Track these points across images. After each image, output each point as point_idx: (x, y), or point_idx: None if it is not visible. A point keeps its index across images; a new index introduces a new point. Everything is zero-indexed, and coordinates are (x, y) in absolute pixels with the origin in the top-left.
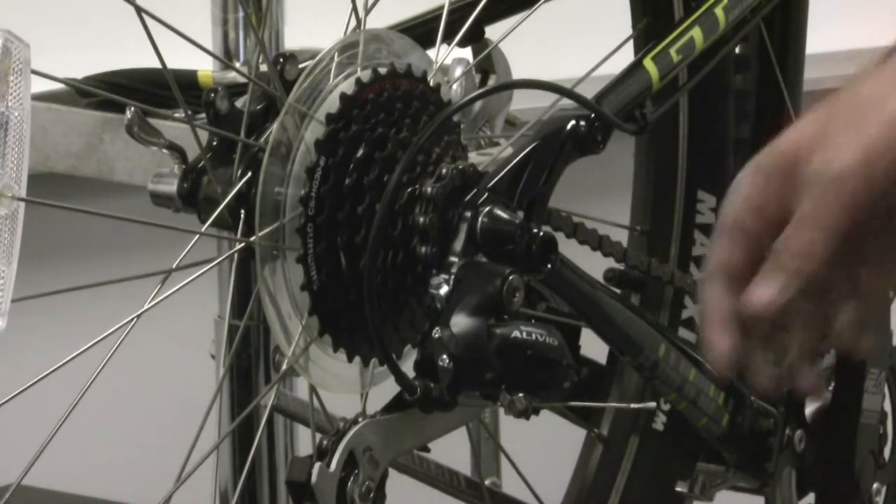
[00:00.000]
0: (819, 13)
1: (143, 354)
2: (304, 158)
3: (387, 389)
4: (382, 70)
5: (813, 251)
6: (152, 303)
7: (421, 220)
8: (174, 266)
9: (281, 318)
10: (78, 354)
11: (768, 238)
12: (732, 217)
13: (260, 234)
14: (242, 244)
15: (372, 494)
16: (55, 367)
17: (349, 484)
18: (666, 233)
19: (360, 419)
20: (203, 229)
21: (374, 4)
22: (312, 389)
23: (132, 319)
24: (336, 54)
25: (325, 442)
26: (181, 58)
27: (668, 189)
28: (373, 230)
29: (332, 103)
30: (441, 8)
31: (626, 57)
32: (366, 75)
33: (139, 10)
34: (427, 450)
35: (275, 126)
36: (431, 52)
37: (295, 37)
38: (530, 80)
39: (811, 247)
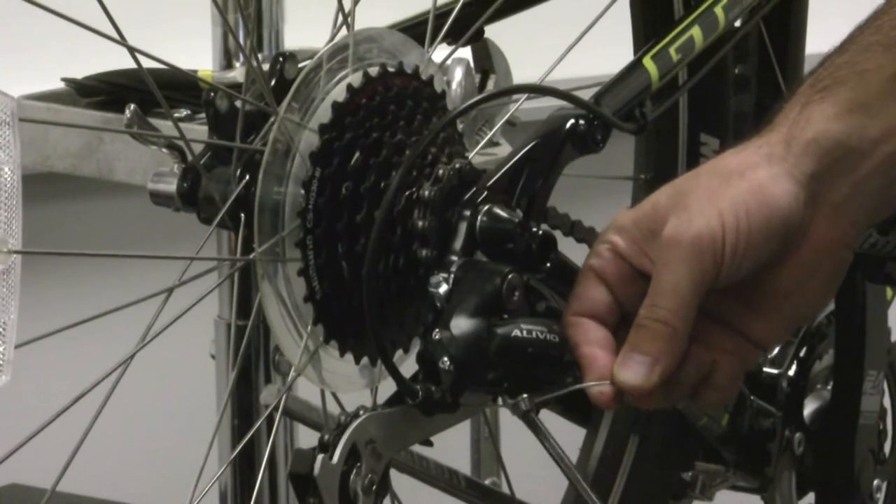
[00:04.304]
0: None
1: (142, 354)
2: (300, 172)
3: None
4: (373, 71)
5: (674, 327)
6: (157, 316)
7: (420, 224)
8: (176, 281)
9: (287, 328)
10: (104, 378)
11: (628, 287)
12: (595, 263)
13: (259, 249)
14: (243, 262)
15: (375, 487)
16: (87, 389)
17: (352, 476)
18: (671, 179)
19: (361, 412)
20: (199, 250)
21: (355, 4)
22: (322, 392)
23: (140, 346)
24: (325, 60)
25: (326, 436)
26: (181, 58)
27: (670, 134)
28: (371, 240)
29: (325, 110)
30: (440, 7)
31: (626, 56)
32: (357, 79)
33: (132, 51)
34: (430, 443)
35: (268, 148)
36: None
37: (295, 34)
38: (528, 85)
39: (672, 322)
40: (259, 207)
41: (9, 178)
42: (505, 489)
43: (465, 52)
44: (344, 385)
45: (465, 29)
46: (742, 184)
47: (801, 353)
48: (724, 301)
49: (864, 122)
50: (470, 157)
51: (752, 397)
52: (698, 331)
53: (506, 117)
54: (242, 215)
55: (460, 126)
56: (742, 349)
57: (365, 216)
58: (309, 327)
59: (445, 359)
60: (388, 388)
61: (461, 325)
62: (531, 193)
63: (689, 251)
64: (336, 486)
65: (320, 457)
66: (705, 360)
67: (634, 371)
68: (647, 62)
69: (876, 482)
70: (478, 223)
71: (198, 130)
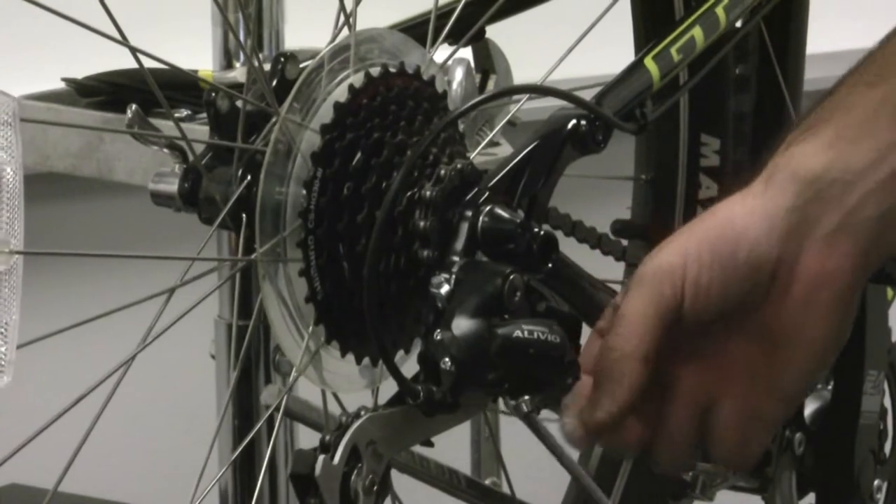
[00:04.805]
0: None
1: (143, 354)
2: (301, 172)
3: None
4: (374, 72)
5: (627, 353)
6: (158, 317)
7: (421, 224)
8: (178, 282)
9: (288, 329)
10: (105, 379)
11: None
12: (599, 325)
13: (261, 250)
14: (244, 263)
15: (375, 487)
16: (89, 389)
17: (353, 477)
18: (671, 179)
19: (362, 412)
20: (200, 251)
21: (356, 5)
22: (324, 393)
23: (141, 347)
24: (327, 60)
25: (327, 437)
26: (182, 57)
27: (670, 135)
28: (372, 241)
29: (327, 110)
30: (441, 7)
31: (627, 56)
32: (358, 79)
33: (132, 51)
34: (430, 444)
35: (269, 148)
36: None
37: (295, 34)
38: (529, 86)
39: (625, 347)
40: (260, 208)
41: (11, 179)
42: (505, 489)
43: (466, 53)
44: (345, 385)
45: (467, 29)
46: (712, 220)
47: None
48: (730, 343)
49: (848, 153)
50: (471, 157)
51: None
52: (691, 372)
53: (507, 118)
54: (244, 216)
55: (461, 126)
56: (750, 393)
57: (366, 216)
58: (310, 328)
59: (446, 359)
60: (389, 388)
61: (462, 325)
62: (532, 194)
63: (646, 281)
64: (337, 487)
65: (321, 457)
66: (697, 399)
67: (595, 405)
68: (649, 62)
69: (876, 482)
70: (479, 224)
71: (199, 130)
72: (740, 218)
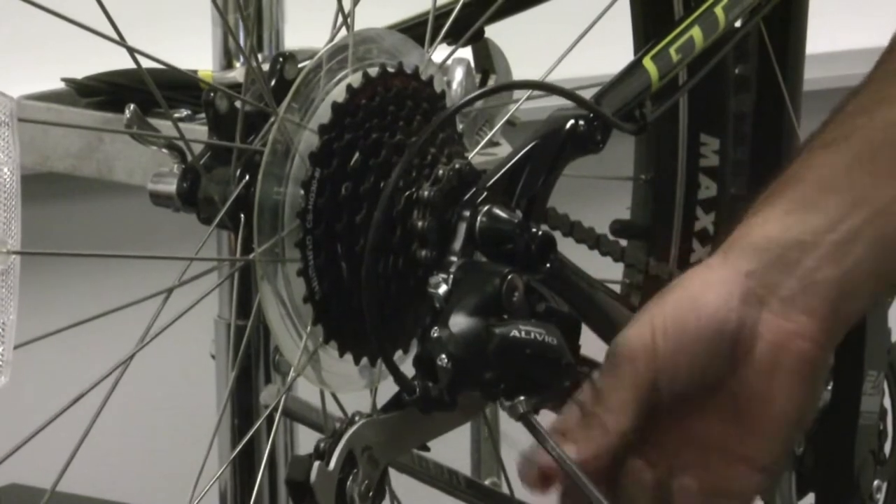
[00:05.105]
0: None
1: (142, 354)
2: (299, 172)
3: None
4: (373, 72)
5: (604, 424)
6: (157, 316)
7: (419, 224)
8: (176, 282)
9: (286, 328)
10: (103, 378)
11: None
12: (576, 397)
13: (259, 250)
14: (242, 263)
15: (371, 493)
16: (87, 389)
17: (348, 483)
18: (671, 179)
19: (357, 418)
20: (199, 251)
21: (354, 4)
22: (322, 393)
23: (140, 346)
24: (325, 60)
25: (322, 444)
26: (181, 57)
27: (670, 135)
28: (369, 241)
29: (325, 111)
30: (440, 7)
31: (626, 56)
32: (356, 79)
33: (131, 51)
34: (427, 449)
35: (268, 148)
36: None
37: (295, 34)
38: (529, 81)
39: (604, 418)
40: (259, 208)
41: (8, 179)
42: (505, 489)
43: (466, 53)
44: (343, 385)
45: (466, 29)
46: (678, 292)
47: None
48: (697, 415)
49: (804, 218)
50: (470, 157)
51: None
52: (655, 444)
53: (506, 117)
54: (242, 216)
55: (460, 126)
56: (718, 465)
57: (364, 216)
58: (308, 328)
59: (443, 356)
60: (386, 389)
61: (460, 323)
62: (531, 194)
63: (622, 359)
64: (332, 493)
65: (317, 464)
66: (661, 470)
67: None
68: (648, 63)
69: (876, 483)
70: (477, 224)
71: (198, 131)
72: (699, 287)
